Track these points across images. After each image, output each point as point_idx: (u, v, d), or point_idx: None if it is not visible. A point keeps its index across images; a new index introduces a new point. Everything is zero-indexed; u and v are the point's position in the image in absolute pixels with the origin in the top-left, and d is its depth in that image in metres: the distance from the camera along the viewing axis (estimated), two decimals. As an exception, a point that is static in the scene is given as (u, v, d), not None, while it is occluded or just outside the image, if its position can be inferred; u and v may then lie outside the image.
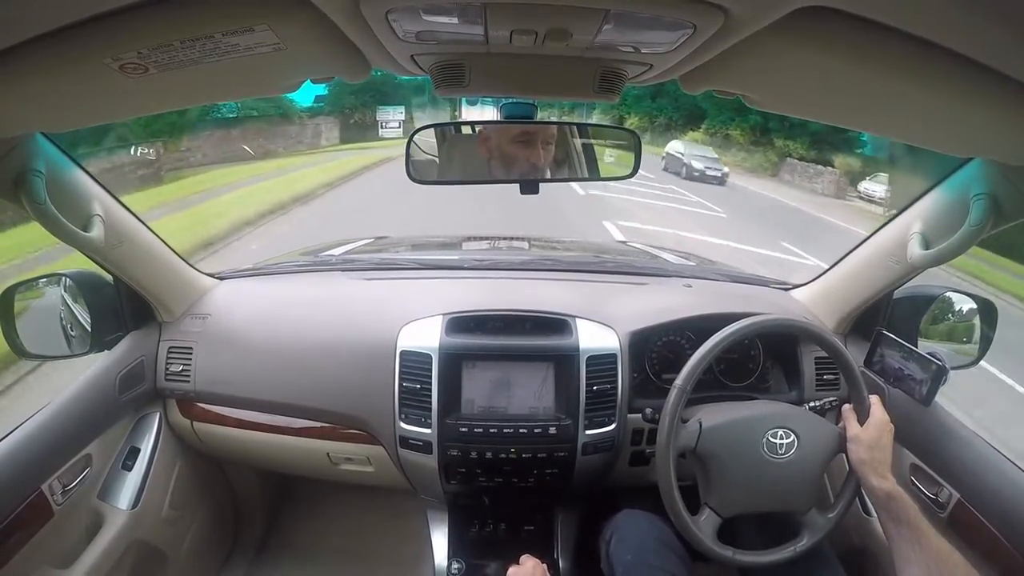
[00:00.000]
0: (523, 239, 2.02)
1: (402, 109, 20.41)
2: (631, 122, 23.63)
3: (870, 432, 0.90)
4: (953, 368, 0.98)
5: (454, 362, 1.09)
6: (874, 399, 0.93)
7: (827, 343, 0.97)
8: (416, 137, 0.94)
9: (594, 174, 1.04)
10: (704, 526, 0.90)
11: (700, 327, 1.11)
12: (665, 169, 14.31)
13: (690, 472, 0.95)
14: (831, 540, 0.94)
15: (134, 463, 1.14)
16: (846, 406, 0.95)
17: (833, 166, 15.34)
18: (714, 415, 0.93)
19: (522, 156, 0.93)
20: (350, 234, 2.07)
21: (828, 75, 0.56)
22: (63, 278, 1.10)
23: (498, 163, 0.94)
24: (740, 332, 0.92)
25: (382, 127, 20.45)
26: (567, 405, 1.09)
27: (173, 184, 10.68)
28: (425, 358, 1.09)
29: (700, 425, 0.91)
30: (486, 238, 2.03)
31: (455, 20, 0.51)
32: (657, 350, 1.22)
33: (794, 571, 0.92)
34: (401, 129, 20.23)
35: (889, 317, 1.16)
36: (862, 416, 0.93)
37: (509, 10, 0.49)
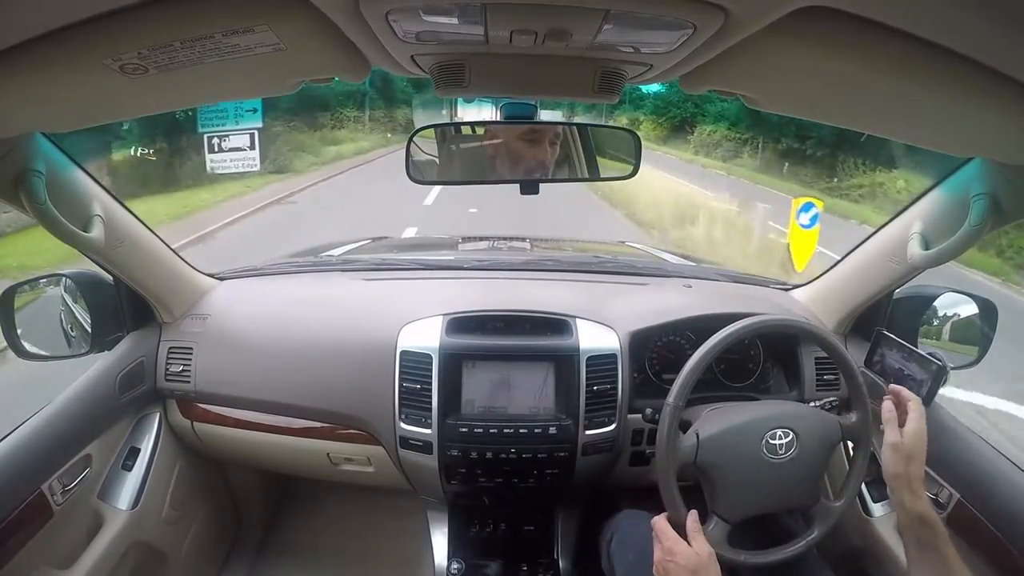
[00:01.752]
0: (523, 239, 2.02)
1: (257, 111, 8.23)
2: (711, 130, 16.95)
3: (911, 441, 0.78)
4: (953, 368, 0.97)
5: (454, 362, 1.09)
6: (912, 405, 0.81)
7: (826, 343, 0.97)
8: (415, 137, 0.94)
9: (594, 174, 1.04)
10: (713, 535, 0.89)
11: (700, 327, 1.11)
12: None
13: (691, 474, 0.95)
14: (830, 542, 0.94)
15: (134, 463, 1.14)
16: (887, 405, 0.83)
17: None
18: (711, 424, 0.92)
19: (529, 154, 0.93)
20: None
21: (828, 75, 0.56)
22: (63, 278, 1.10)
23: (504, 161, 0.94)
24: (735, 335, 0.91)
25: (213, 154, 8.26)
26: (567, 405, 1.09)
27: None
28: (425, 358, 1.09)
29: (698, 437, 0.90)
30: (486, 238, 2.02)
31: (455, 20, 0.51)
32: (657, 350, 1.22)
33: (787, 574, 0.92)
34: (257, 157, 8.40)
35: (889, 317, 1.16)
36: (859, 412, 0.93)
37: (509, 10, 0.49)
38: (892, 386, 0.86)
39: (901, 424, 0.80)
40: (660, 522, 0.87)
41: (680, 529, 0.86)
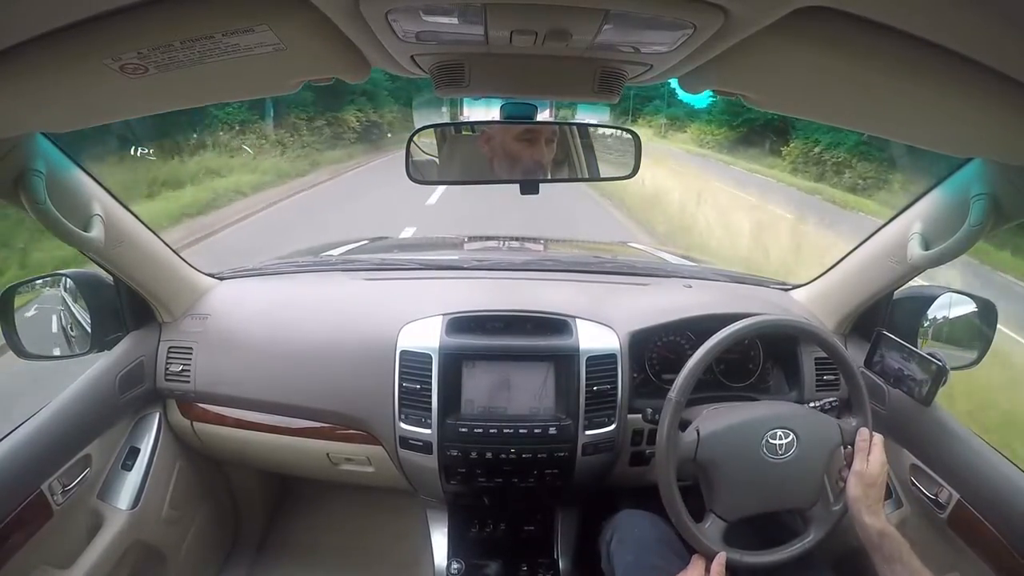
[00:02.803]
0: (523, 239, 2.02)
1: None
2: (826, 145, 11.63)
3: (873, 469, 0.89)
4: (953, 369, 0.97)
5: (454, 362, 1.09)
6: (877, 439, 0.92)
7: (826, 343, 0.97)
8: (416, 137, 0.94)
9: (594, 174, 1.04)
10: (710, 532, 0.89)
11: (700, 327, 1.11)
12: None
13: (690, 471, 0.95)
14: (830, 543, 0.94)
15: (134, 463, 1.14)
16: (864, 434, 0.93)
17: None
18: (712, 421, 0.92)
19: (526, 155, 0.93)
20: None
21: (828, 75, 0.56)
22: (63, 278, 1.10)
23: (501, 162, 0.94)
24: (736, 334, 0.92)
25: None
26: (567, 405, 1.09)
27: None
28: (425, 358, 1.09)
29: (698, 433, 0.90)
30: (486, 238, 2.02)
31: (455, 20, 0.51)
32: (657, 350, 1.22)
33: (788, 574, 0.92)
34: None
35: (889, 317, 1.16)
36: (859, 416, 0.94)
37: (509, 10, 0.49)
38: (862, 429, 0.93)
39: None
40: (696, 560, 0.89)
41: (692, 539, 0.89)
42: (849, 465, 0.91)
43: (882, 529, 0.84)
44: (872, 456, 0.90)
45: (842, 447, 0.94)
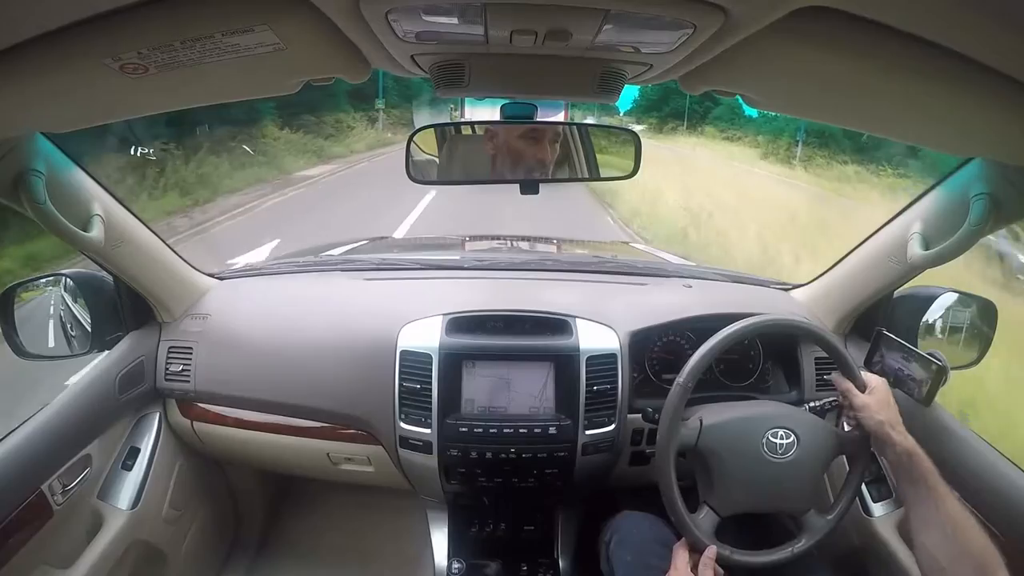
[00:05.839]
0: (523, 239, 2.02)
1: None
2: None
3: (878, 394, 0.89)
4: (953, 368, 0.97)
5: (454, 362, 1.09)
6: (866, 375, 0.92)
7: (827, 343, 0.97)
8: (416, 137, 0.94)
9: (595, 174, 1.04)
10: (702, 524, 0.90)
11: (700, 327, 1.11)
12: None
13: (689, 472, 0.95)
14: (831, 542, 0.94)
15: (134, 463, 1.14)
16: (837, 375, 0.93)
17: None
18: (715, 413, 0.93)
19: (530, 153, 0.93)
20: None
21: (828, 75, 0.56)
22: (63, 278, 1.10)
23: (504, 160, 0.94)
24: (742, 331, 0.92)
25: None
26: (567, 405, 1.09)
27: None
28: (425, 358, 1.09)
29: (701, 423, 0.91)
30: (486, 238, 2.02)
31: (455, 20, 0.51)
32: (657, 350, 1.22)
33: (786, 574, 0.92)
34: None
35: (889, 317, 1.16)
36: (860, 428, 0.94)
37: (509, 10, 0.49)
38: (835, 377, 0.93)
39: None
40: (679, 548, 0.89)
41: (685, 529, 0.88)
42: (844, 415, 0.92)
43: (910, 449, 0.82)
44: (870, 384, 0.90)
45: (841, 456, 0.94)
